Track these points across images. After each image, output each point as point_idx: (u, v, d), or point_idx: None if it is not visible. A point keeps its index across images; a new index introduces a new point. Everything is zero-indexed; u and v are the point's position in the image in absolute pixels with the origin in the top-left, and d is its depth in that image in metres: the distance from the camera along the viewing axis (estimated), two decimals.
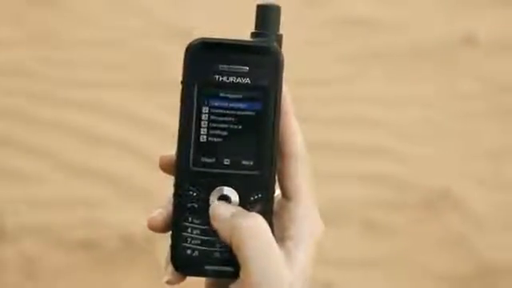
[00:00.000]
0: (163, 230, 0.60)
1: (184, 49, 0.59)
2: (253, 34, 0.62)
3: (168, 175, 0.61)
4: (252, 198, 0.59)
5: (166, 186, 0.64)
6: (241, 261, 0.57)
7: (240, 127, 0.59)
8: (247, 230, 0.57)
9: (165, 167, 0.61)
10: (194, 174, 0.59)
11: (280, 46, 0.61)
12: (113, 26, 2.75)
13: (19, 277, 1.95)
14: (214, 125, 0.59)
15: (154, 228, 0.60)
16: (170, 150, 0.60)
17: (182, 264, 0.59)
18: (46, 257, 1.99)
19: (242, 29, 0.66)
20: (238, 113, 0.59)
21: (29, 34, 2.71)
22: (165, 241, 0.61)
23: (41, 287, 1.94)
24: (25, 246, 2.01)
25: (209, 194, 0.59)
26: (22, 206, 2.12)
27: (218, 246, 0.59)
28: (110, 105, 2.45)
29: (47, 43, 2.68)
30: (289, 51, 0.63)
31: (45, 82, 2.52)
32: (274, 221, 0.60)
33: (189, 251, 0.59)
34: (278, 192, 0.61)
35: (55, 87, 2.50)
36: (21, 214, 2.10)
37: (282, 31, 0.62)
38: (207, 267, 0.59)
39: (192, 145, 0.59)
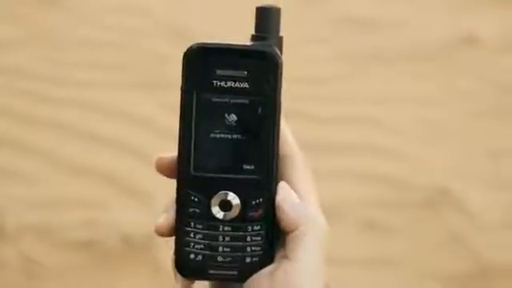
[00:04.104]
0: (171, 234, 0.60)
1: (184, 49, 0.59)
2: (253, 37, 0.61)
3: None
4: (253, 202, 0.59)
5: (165, 185, 0.64)
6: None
7: (240, 132, 0.59)
8: None
9: (161, 169, 0.60)
10: (195, 179, 0.59)
11: (281, 49, 0.60)
12: (113, 26, 2.76)
13: (19, 277, 1.95)
14: (214, 130, 0.59)
15: (161, 233, 0.60)
16: (170, 150, 0.60)
17: (186, 269, 0.60)
18: (46, 257, 1.99)
19: (242, 29, 0.66)
20: (238, 117, 0.59)
21: (29, 34, 2.72)
22: (165, 240, 0.61)
23: (41, 287, 1.94)
24: (25, 245, 2.01)
25: (210, 199, 0.59)
26: (21, 205, 2.12)
27: (220, 250, 0.59)
28: (109, 105, 2.45)
29: (47, 43, 2.69)
30: (288, 50, 0.62)
31: (45, 82, 2.52)
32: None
33: (192, 256, 0.59)
34: None
35: (55, 87, 2.50)
36: (21, 214, 2.10)
37: (282, 30, 0.61)
38: (211, 271, 0.59)
39: (192, 150, 0.59)
